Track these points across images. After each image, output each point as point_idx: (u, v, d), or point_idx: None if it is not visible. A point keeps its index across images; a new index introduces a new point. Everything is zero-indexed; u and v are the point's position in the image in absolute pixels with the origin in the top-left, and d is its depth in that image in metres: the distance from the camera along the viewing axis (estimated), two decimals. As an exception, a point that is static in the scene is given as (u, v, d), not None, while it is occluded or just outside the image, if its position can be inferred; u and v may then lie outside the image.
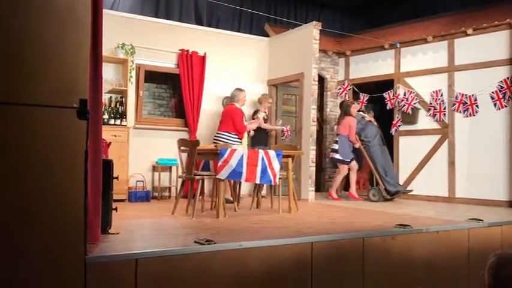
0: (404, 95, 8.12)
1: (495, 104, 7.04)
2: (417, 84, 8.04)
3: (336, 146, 7.70)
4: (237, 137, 6.73)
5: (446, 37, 7.70)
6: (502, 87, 6.99)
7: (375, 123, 8.01)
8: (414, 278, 4.08)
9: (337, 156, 7.65)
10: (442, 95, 7.64)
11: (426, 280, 4.17)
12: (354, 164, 7.70)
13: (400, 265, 4.13)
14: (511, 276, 1.91)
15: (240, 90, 6.94)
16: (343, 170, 7.67)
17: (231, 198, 6.21)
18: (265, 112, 7.83)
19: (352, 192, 7.73)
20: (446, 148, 7.57)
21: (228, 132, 6.69)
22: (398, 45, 8.28)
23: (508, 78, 6.94)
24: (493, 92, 7.05)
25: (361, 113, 8.05)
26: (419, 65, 8.07)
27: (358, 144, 7.63)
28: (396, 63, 8.40)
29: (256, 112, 7.75)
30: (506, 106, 6.96)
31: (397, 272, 4.08)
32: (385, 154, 7.68)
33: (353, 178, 7.74)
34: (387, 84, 8.48)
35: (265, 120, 7.80)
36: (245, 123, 6.80)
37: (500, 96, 7.00)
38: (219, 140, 6.63)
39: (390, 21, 9.37)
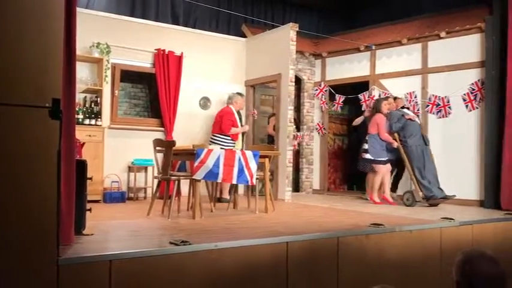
0: (379, 96, 8.22)
1: (467, 106, 7.19)
2: (392, 85, 8.16)
3: (365, 146, 7.22)
4: (230, 139, 6.96)
5: (420, 40, 7.84)
6: (473, 89, 7.15)
7: (418, 121, 7.32)
8: (388, 277, 4.14)
9: (368, 156, 7.16)
10: (416, 97, 7.77)
11: (399, 278, 4.24)
12: (388, 166, 7.18)
13: (373, 264, 4.20)
14: (476, 273, 1.98)
15: (239, 94, 7.34)
16: (379, 170, 7.12)
17: (227, 198, 6.43)
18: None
19: (386, 195, 7.15)
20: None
21: (221, 134, 6.96)
22: (373, 47, 8.39)
23: (479, 80, 7.10)
24: (465, 94, 7.21)
25: (404, 110, 7.36)
26: (394, 67, 8.19)
27: (396, 144, 7.07)
28: (371, 65, 8.52)
29: (272, 115, 7.94)
30: (477, 108, 7.12)
31: (370, 270, 4.13)
32: (424, 155, 6.99)
33: (386, 180, 7.16)
34: (363, 85, 8.59)
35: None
36: (237, 126, 7.06)
37: (472, 98, 7.16)
38: (213, 143, 6.84)
39: (366, 23, 9.49)
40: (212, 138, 7.12)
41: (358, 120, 8.10)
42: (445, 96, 7.41)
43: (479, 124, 7.09)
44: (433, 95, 7.56)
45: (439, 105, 7.46)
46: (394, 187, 7.57)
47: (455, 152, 7.29)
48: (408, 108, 7.46)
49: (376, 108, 7.37)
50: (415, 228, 4.64)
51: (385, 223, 4.61)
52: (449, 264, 2.17)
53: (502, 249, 4.99)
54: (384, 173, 7.13)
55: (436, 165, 7.05)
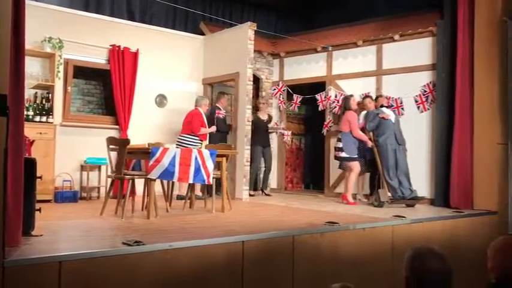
0: (336, 96, 8.36)
1: (418, 107, 7.41)
2: (348, 86, 8.30)
3: (340, 144, 7.08)
4: (197, 139, 7.18)
5: (375, 42, 8.02)
6: (425, 91, 7.37)
7: (392, 120, 6.97)
8: (342, 274, 4.21)
9: (343, 154, 7.02)
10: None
11: (353, 275, 4.31)
12: (356, 164, 7.08)
13: (328, 261, 4.26)
14: (425, 268, 2.05)
15: (203, 97, 7.64)
16: (355, 167, 7.02)
17: (183, 194, 6.47)
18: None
19: (347, 195, 7.09)
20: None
21: (189, 135, 7.16)
22: (330, 48, 8.52)
23: (430, 82, 7.33)
24: (417, 96, 7.42)
25: (382, 108, 7.07)
26: (350, 68, 8.34)
27: (370, 143, 6.98)
28: (328, 65, 8.64)
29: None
30: (429, 109, 7.35)
31: (325, 268, 4.19)
32: (396, 154, 6.80)
33: (352, 179, 7.10)
34: (319, 86, 8.70)
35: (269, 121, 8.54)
36: (205, 127, 7.29)
37: (424, 99, 7.38)
38: (181, 143, 7.07)
39: (324, 24, 9.61)
40: (179, 139, 7.22)
41: None
42: (399, 98, 7.60)
43: (430, 125, 7.32)
44: (386, 96, 7.73)
45: (393, 106, 7.63)
46: (371, 190, 7.43)
47: (408, 152, 7.44)
48: (387, 107, 7.26)
49: (345, 106, 7.29)
50: (368, 226, 4.75)
51: (340, 221, 4.69)
52: (401, 260, 2.22)
53: (450, 245, 5.19)
54: (358, 170, 7.08)
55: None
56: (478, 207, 6.45)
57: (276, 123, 9.03)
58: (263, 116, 8.40)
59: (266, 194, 8.41)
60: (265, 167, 8.52)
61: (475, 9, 6.70)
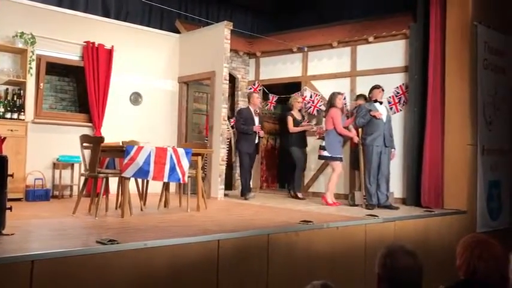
0: (311, 97, 8.43)
1: (391, 108, 7.53)
2: (322, 87, 8.37)
3: (323, 143, 6.91)
4: None
5: (349, 43, 8.12)
6: (398, 92, 7.51)
7: (384, 119, 6.65)
8: (316, 271, 4.27)
9: (325, 153, 6.81)
10: (344, 98, 7.98)
11: (327, 272, 4.37)
12: (338, 165, 6.89)
13: (303, 259, 4.31)
14: (397, 266, 2.10)
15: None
16: (336, 167, 6.83)
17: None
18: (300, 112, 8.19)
19: (326, 196, 6.89)
20: (348, 148, 7.93)
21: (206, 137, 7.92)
22: (305, 49, 8.58)
23: (403, 84, 7.46)
24: (390, 97, 7.55)
25: (375, 104, 6.71)
26: (324, 68, 8.42)
27: (356, 139, 6.78)
28: (304, 66, 8.71)
29: (288, 115, 8.04)
30: (401, 110, 7.49)
31: (300, 266, 4.24)
32: (381, 157, 6.58)
33: (334, 180, 6.91)
34: (295, 86, 8.76)
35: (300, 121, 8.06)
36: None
37: (397, 100, 7.51)
38: None
39: (299, 25, 9.68)
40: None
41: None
42: (372, 99, 7.70)
43: (402, 126, 7.45)
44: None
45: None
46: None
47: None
48: (381, 103, 6.83)
49: (330, 103, 7.12)
50: (341, 225, 4.82)
51: (314, 220, 4.74)
52: (373, 258, 2.27)
53: (421, 243, 5.31)
54: (340, 170, 6.93)
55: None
56: (448, 207, 6.60)
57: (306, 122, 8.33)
58: (298, 116, 8.07)
59: (299, 198, 7.71)
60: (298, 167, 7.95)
61: (447, 13, 6.86)
